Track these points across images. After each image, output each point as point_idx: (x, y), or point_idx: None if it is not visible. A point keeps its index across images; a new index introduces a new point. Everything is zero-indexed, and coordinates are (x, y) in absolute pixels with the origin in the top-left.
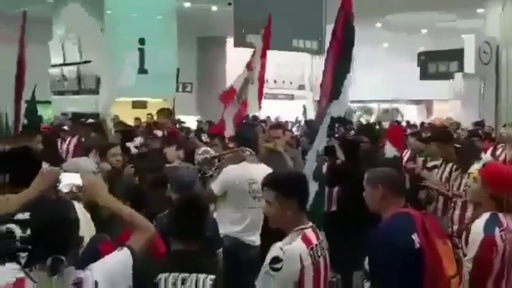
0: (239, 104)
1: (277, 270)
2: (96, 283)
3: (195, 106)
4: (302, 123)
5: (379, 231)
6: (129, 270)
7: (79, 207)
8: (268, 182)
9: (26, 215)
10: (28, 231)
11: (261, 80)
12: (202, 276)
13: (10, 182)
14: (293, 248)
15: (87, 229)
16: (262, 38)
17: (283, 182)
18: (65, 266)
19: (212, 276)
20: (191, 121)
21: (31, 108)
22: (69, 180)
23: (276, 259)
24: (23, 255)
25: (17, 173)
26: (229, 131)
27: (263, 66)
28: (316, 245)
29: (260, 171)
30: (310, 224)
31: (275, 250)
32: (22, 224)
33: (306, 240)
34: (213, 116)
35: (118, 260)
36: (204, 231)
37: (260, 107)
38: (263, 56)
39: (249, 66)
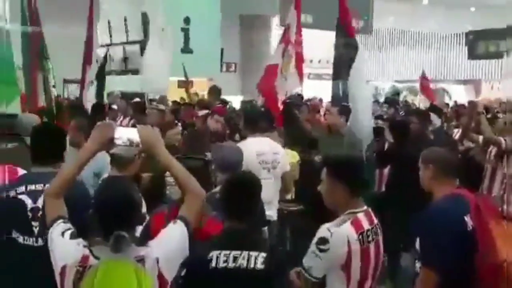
0: (286, 79)
1: (323, 251)
2: (157, 259)
3: (239, 87)
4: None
5: (431, 213)
6: (185, 242)
7: None
8: (324, 159)
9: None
10: (40, 202)
11: (299, 58)
12: (254, 254)
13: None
14: (341, 231)
15: None
16: (294, 14)
17: (335, 163)
18: (128, 243)
19: (264, 254)
20: (235, 102)
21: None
22: (125, 134)
23: (323, 240)
24: (35, 224)
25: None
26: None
27: (299, 43)
28: (367, 230)
29: (269, 143)
30: (364, 208)
31: (322, 230)
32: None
33: (356, 224)
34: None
35: (174, 234)
36: (256, 209)
37: (300, 85)
38: (299, 33)
39: (285, 41)
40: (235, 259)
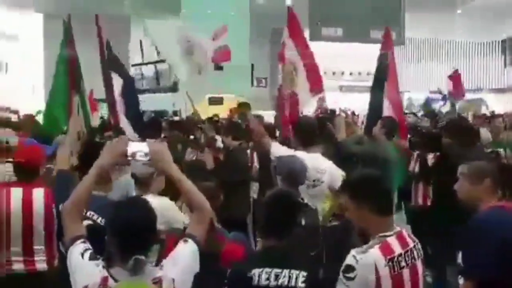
0: (286, 97)
1: (350, 279)
2: (173, 280)
3: (270, 101)
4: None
5: (474, 225)
6: (196, 260)
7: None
8: (342, 184)
9: None
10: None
11: (313, 70)
12: (295, 272)
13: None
14: (368, 257)
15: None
16: (288, 30)
17: (353, 185)
18: (146, 266)
19: (304, 273)
20: (268, 116)
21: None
22: (137, 148)
23: (349, 268)
24: None
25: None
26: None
27: (306, 56)
28: (399, 255)
29: (315, 160)
30: (396, 230)
31: (349, 258)
32: None
33: (385, 249)
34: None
35: (187, 254)
36: (295, 226)
37: (312, 96)
38: (304, 46)
39: (282, 59)
40: (276, 277)
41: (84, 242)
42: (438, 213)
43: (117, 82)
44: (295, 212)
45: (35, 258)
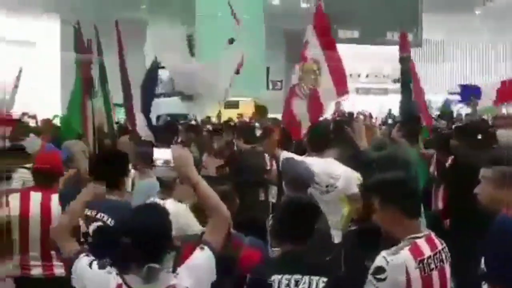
0: (305, 96)
1: (380, 280)
2: None
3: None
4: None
5: (498, 229)
6: (213, 267)
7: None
8: (370, 186)
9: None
10: (91, 229)
11: (339, 72)
12: (315, 278)
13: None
14: (398, 258)
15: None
16: (315, 28)
17: (381, 187)
18: (160, 273)
19: (324, 278)
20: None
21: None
22: (160, 155)
23: (379, 269)
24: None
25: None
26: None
27: (333, 57)
28: (428, 257)
29: (328, 165)
30: (425, 233)
31: (379, 259)
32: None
33: (415, 251)
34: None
35: (202, 261)
36: (313, 231)
37: (338, 97)
38: (332, 48)
39: (303, 58)
40: (296, 283)
41: (87, 255)
42: (453, 218)
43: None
44: (313, 217)
45: (53, 263)
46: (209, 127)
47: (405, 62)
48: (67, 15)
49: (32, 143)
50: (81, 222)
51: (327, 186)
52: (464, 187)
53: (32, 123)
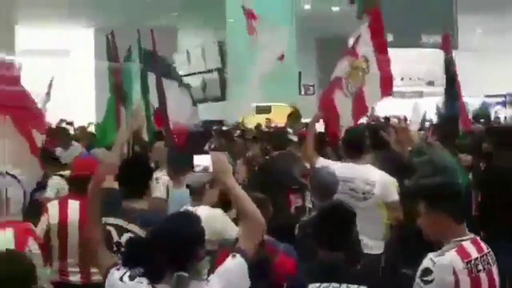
0: (351, 95)
1: (427, 282)
2: None
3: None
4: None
5: None
6: (245, 275)
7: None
8: (417, 191)
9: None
10: (123, 239)
11: (387, 74)
12: (352, 287)
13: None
14: (445, 259)
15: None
16: (370, 28)
17: (428, 192)
18: (190, 282)
19: (364, 287)
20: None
21: None
22: (199, 161)
23: (426, 271)
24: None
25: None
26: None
27: (384, 60)
28: (476, 258)
29: (365, 171)
30: (471, 236)
31: (426, 261)
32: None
33: (462, 252)
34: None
35: (234, 269)
36: (351, 238)
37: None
38: (381, 49)
39: (353, 53)
40: None
41: (118, 269)
42: (487, 227)
43: (171, 91)
44: (351, 223)
45: (91, 270)
46: (239, 132)
47: (450, 63)
48: (100, 24)
49: (75, 150)
50: (114, 231)
51: (363, 193)
52: (497, 193)
53: (70, 129)
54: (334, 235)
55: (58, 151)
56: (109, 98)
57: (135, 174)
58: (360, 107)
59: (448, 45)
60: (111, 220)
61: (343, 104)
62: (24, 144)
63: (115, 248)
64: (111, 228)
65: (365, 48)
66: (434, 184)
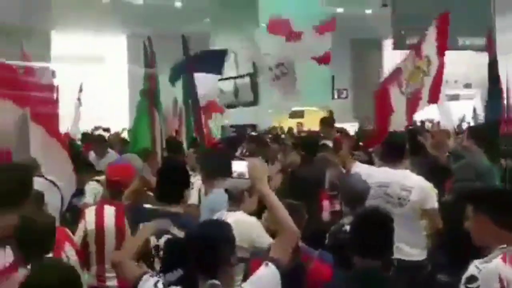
0: (408, 95)
1: None
2: None
3: (352, 113)
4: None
5: None
6: (278, 285)
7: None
8: (468, 194)
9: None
10: (161, 241)
11: (438, 79)
12: None
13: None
14: (491, 266)
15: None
16: (436, 31)
17: (475, 197)
18: None
19: None
20: (349, 129)
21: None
22: (237, 167)
23: (471, 278)
24: (156, 260)
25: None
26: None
27: (441, 64)
28: None
29: (402, 176)
30: None
31: (471, 268)
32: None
33: (508, 260)
34: (372, 123)
35: (266, 278)
36: (389, 246)
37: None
38: (442, 53)
39: (418, 52)
40: None
41: (151, 276)
42: None
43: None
44: (388, 230)
45: None
46: (272, 137)
47: (493, 65)
48: (133, 30)
49: (110, 158)
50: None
51: (399, 199)
52: None
53: (106, 135)
54: (370, 242)
55: (92, 156)
56: (140, 103)
57: (174, 181)
58: (414, 108)
59: (491, 46)
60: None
61: (398, 102)
62: (59, 151)
63: (153, 252)
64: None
65: (430, 49)
66: (481, 188)
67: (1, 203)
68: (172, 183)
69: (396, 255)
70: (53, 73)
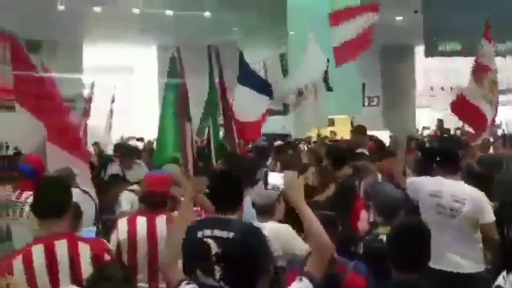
0: (494, 108)
1: None
2: None
3: (382, 121)
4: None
5: None
6: None
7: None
8: None
9: (225, 233)
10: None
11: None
12: None
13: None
14: None
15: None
16: (486, 39)
17: None
18: None
19: None
20: (382, 137)
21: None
22: (272, 180)
23: None
24: (218, 269)
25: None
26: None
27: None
28: None
29: (456, 186)
30: None
31: (499, 279)
32: (219, 241)
33: None
34: (403, 131)
35: None
36: (426, 259)
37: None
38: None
39: (487, 68)
40: None
41: (187, 283)
42: None
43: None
44: (428, 243)
45: (160, 285)
46: (306, 146)
47: None
48: (163, 41)
49: (140, 169)
50: (213, 243)
51: (451, 210)
52: None
53: (140, 145)
54: (408, 255)
55: (115, 168)
56: (166, 112)
57: (231, 190)
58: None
59: None
60: (208, 232)
61: (489, 113)
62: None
63: (214, 260)
64: (210, 241)
65: (492, 62)
66: None
67: (44, 215)
68: (229, 192)
69: (447, 267)
70: (92, 85)
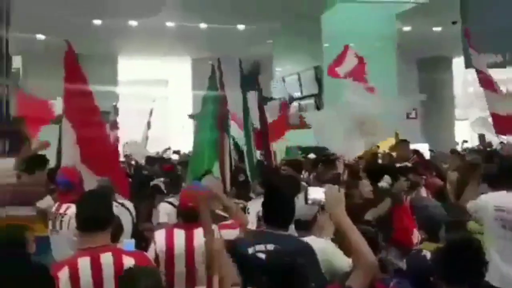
0: None
1: None
2: None
3: (420, 133)
4: None
5: None
6: None
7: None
8: None
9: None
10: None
11: None
12: None
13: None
14: None
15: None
16: None
17: None
18: None
19: None
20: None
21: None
22: (313, 195)
23: None
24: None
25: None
26: None
27: None
28: None
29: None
30: None
31: None
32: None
33: None
34: (441, 144)
35: None
36: (476, 274)
37: None
38: None
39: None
40: None
41: None
42: None
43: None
44: (479, 259)
45: None
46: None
47: None
48: (197, 54)
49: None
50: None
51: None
52: None
53: (175, 157)
54: (462, 271)
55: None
56: (202, 124)
57: (281, 205)
58: None
59: None
60: (260, 247)
61: None
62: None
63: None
64: (263, 256)
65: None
66: None
67: (88, 227)
68: (280, 209)
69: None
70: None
